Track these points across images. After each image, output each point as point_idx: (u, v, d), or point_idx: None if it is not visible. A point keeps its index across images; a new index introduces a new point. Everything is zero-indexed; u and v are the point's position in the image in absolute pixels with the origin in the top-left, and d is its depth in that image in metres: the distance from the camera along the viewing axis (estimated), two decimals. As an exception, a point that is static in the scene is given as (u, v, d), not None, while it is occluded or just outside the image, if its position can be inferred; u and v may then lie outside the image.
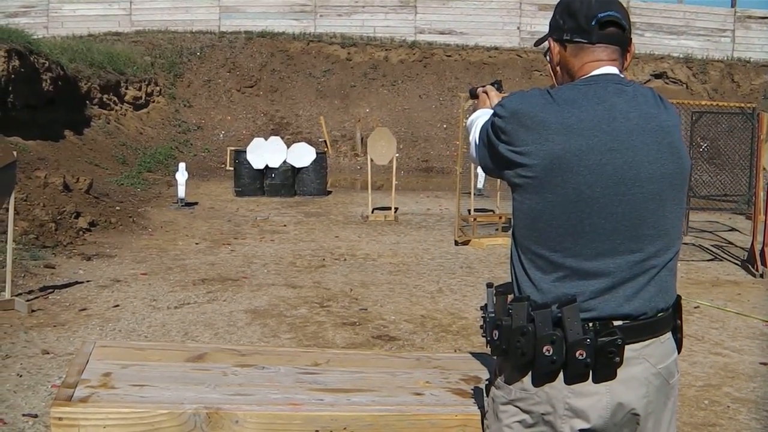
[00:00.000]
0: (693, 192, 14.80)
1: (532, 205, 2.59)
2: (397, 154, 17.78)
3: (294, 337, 7.92)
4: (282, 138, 20.63)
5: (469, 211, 14.96)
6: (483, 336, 2.71)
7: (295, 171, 18.96)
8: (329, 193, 19.58)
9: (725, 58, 30.35)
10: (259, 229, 14.33)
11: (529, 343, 2.52)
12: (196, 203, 16.98)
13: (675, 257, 2.68)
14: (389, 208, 15.91)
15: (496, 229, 14.51)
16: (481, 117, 2.98)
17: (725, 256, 13.73)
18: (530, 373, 2.57)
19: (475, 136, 2.88)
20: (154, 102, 26.21)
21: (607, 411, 2.54)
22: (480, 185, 18.09)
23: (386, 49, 29.75)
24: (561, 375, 2.53)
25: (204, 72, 28.31)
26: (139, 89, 25.49)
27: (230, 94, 27.89)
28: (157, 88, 26.55)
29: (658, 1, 31.87)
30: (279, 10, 30.62)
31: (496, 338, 2.61)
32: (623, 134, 2.54)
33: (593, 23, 2.62)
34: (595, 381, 2.52)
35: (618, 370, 2.51)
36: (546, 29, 2.92)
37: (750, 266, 12.41)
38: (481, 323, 2.77)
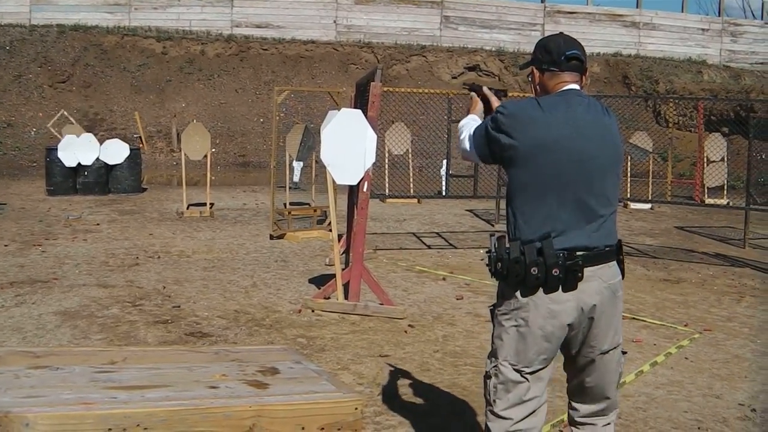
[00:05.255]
0: (504, 181, 15.23)
1: (523, 173, 3.79)
2: (213, 149, 17.67)
3: (105, 337, 7.78)
4: (96, 134, 20.21)
5: (285, 204, 15.00)
6: (489, 269, 3.89)
7: (109, 168, 18.58)
8: (144, 190, 19.29)
9: (535, 51, 31.33)
10: (72, 228, 13.99)
11: (522, 267, 3.71)
12: (5, 204, 16.44)
13: (614, 213, 3.93)
14: (205, 204, 15.80)
15: (311, 222, 14.62)
16: (470, 123, 4.22)
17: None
18: (521, 289, 3.76)
19: (470, 132, 4.07)
20: (-41, 100, 25.25)
21: (574, 311, 3.75)
22: (296, 179, 18.18)
23: (202, 43, 29.47)
24: (541, 289, 3.73)
25: (14, 67, 27.41)
26: (-57, 87, 24.51)
27: (42, 90, 27.10)
28: (-37, 85, 25.60)
29: (471, -5, 32.58)
30: (92, 3, 29.89)
31: (499, 268, 3.80)
32: (582, 128, 3.79)
33: (563, 58, 3.91)
34: (564, 291, 3.72)
35: (580, 284, 3.72)
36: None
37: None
38: (487, 261, 3.90)
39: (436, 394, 6.49)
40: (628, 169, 20.00)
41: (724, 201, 19.39)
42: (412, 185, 18.57)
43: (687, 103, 25.89)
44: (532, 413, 3.88)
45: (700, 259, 13.37)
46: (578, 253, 3.72)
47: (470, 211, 17.70)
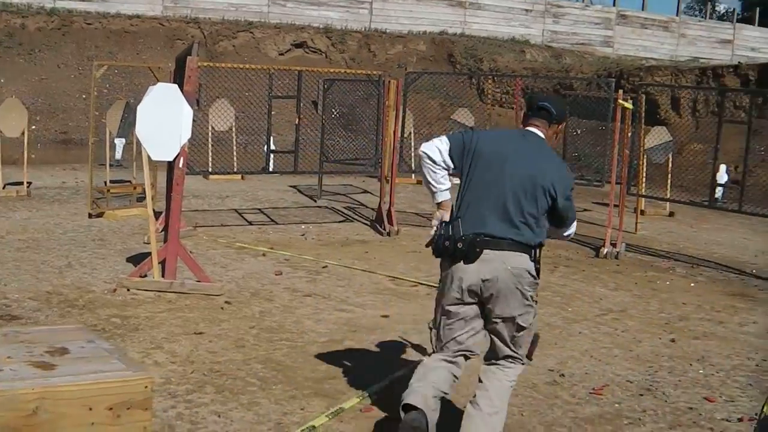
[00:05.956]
0: (326, 157, 15.27)
1: (467, 173, 4.91)
2: (33, 126, 17.11)
3: None
4: None
5: (105, 182, 14.66)
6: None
7: None
8: (-43, 170, 18.51)
9: (363, 29, 31.42)
10: None
11: (441, 240, 4.87)
12: None
13: (527, 226, 4.86)
14: (22, 183, 15.28)
15: (131, 200, 14.33)
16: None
17: (356, 217, 14.34)
18: (441, 261, 5.00)
19: (440, 141, 5.04)
20: None
21: (478, 280, 4.80)
22: (118, 156, 17.79)
23: (23, 17, 28.37)
24: (451, 260, 4.87)
25: None
26: None
27: None
28: None
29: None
30: None
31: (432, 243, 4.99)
32: (520, 155, 4.94)
33: (535, 107, 5.15)
34: (466, 263, 4.80)
35: (483, 260, 4.78)
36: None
37: (378, 226, 13.04)
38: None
39: (249, 370, 6.50)
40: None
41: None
42: (236, 162, 18.40)
43: (509, 81, 26.45)
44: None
45: (518, 232, 13.70)
46: (484, 237, 4.79)
47: (293, 187, 17.68)
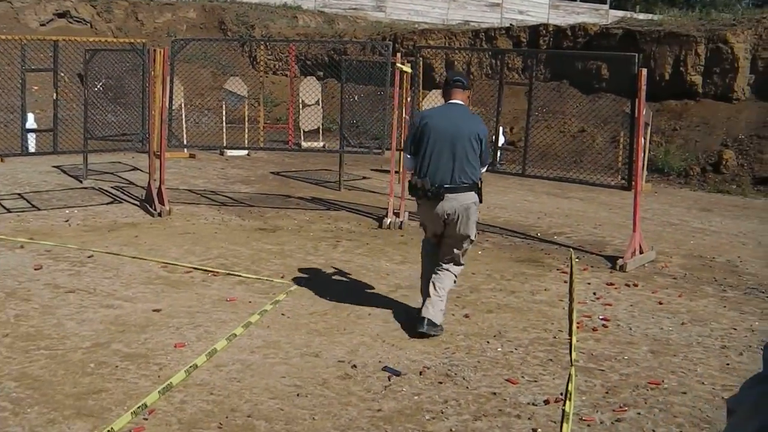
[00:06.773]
0: (91, 134, 14.21)
1: (424, 143, 7.21)
2: None
3: None
4: None
5: None
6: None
7: None
8: None
9: (129, -2, 30.13)
10: None
11: (416, 189, 7.26)
12: None
13: (471, 166, 7.17)
14: None
15: None
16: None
17: (125, 197, 13.45)
18: (418, 198, 7.37)
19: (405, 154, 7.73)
20: None
21: (443, 213, 7.16)
22: None
23: None
24: (423, 200, 7.29)
25: None
26: None
27: None
28: None
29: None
30: None
31: (409, 189, 7.43)
32: (454, 122, 7.21)
33: (451, 82, 7.51)
34: (434, 202, 7.14)
35: (446, 200, 7.10)
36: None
37: (148, 206, 12.24)
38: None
39: (0, 390, 5.63)
40: (224, 116, 19.60)
41: (319, 144, 19.58)
42: (-9, 143, 17.01)
43: (282, 48, 25.92)
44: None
45: (296, 204, 13.28)
46: (444, 185, 7.09)
47: (58, 167, 16.52)
